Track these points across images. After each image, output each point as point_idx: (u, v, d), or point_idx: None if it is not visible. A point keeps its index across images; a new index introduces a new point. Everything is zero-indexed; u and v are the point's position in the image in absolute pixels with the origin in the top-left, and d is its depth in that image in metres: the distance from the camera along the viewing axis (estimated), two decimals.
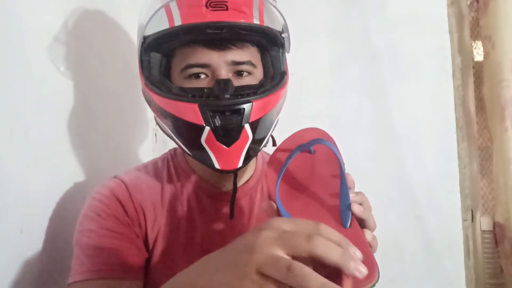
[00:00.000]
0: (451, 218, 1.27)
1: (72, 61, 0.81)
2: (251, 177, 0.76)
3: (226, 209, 0.71)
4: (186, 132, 0.64)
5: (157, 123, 0.72)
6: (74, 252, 0.66)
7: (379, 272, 0.40)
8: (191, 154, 0.65)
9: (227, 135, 0.61)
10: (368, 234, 0.49)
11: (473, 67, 1.32)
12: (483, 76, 1.27)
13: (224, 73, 0.65)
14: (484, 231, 1.28)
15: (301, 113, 1.20)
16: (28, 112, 0.69)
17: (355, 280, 0.38)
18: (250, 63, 0.67)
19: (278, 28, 0.71)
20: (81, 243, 0.65)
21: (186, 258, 0.68)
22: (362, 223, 0.50)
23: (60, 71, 0.78)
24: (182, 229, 0.70)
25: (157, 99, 0.65)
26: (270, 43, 0.71)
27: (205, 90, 0.64)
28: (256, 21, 0.66)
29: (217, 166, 0.62)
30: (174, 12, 0.64)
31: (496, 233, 1.24)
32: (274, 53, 0.72)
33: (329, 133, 0.62)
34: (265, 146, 0.69)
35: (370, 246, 0.48)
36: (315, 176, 0.56)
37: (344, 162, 0.56)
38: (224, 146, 0.62)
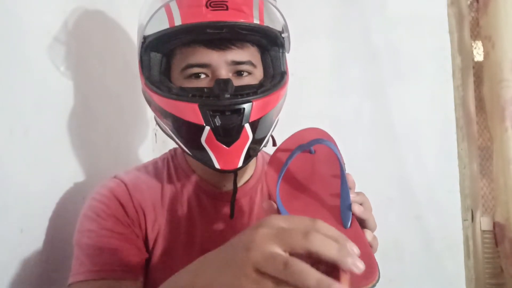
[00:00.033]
0: (451, 218, 1.27)
1: (72, 61, 0.81)
2: (251, 177, 0.76)
3: (226, 209, 0.71)
4: (186, 132, 0.64)
5: (157, 123, 0.72)
6: (74, 253, 0.66)
7: (379, 273, 0.40)
8: (191, 154, 0.65)
9: (227, 135, 0.61)
10: (368, 234, 0.49)
11: (473, 67, 1.32)
12: (483, 76, 1.27)
13: (224, 73, 0.65)
14: (484, 231, 1.28)
15: (301, 113, 1.20)
16: (28, 112, 0.69)
17: (355, 280, 0.38)
18: (250, 63, 0.67)
19: (278, 28, 0.71)
20: (81, 243, 0.65)
21: (186, 258, 0.67)
22: (362, 223, 0.50)
23: (60, 71, 0.78)
24: (182, 229, 0.70)
25: (157, 99, 0.65)
26: (270, 43, 0.71)
27: (205, 90, 0.64)
28: (256, 21, 0.66)
29: (217, 166, 0.62)
30: (174, 12, 0.64)
31: (496, 233, 1.24)
32: (274, 53, 0.72)
33: (329, 133, 0.62)
34: (265, 146, 0.69)
35: (371, 246, 0.48)
36: (316, 176, 0.56)
37: (345, 162, 0.56)
38: (224, 146, 0.62)
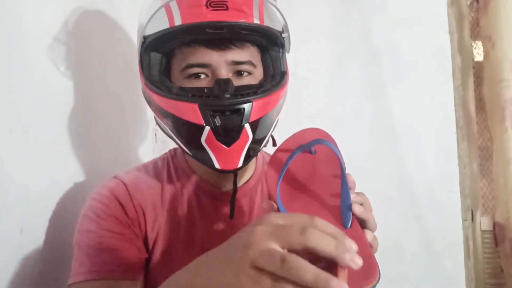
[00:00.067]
0: (451, 218, 1.27)
1: (72, 61, 0.81)
2: (251, 177, 0.76)
3: (226, 209, 0.71)
4: (186, 132, 0.64)
5: (157, 123, 0.72)
6: (74, 253, 0.66)
7: (379, 273, 0.40)
8: (191, 154, 0.65)
9: (227, 135, 0.61)
10: (368, 235, 0.49)
11: (473, 67, 1.32)
12: (483, 76, 1.27)
13: (224, 73, 0.65)
14: (484, 231, 1.28)
15: (301, 113, 1.20)
16: (28, 112, 0.69)
17: (356, 280, 0.38)
18: (250, 63, 0.67)
19: (278, 28, 0.71)
20: (81, 243, 0.65)
21: (186, 258, 0.67)
22: (362, 224, 0.50)
23: (60, 71, 0.78)
24: (182, 229, 0.70)
25: (157, 99, 0.65)
26: (270, 43, 0.71)
27: (205, 90, 0.64)
28: (256, 21, 0.66)
29: (217, 166, 0.62)
30: (174, 12, 0.64)
31: (496, 233, 1.24)
32: (274, 53, 0.72)
33: (329, 133, 0.62)
34: (265, 146, 0.69)
35: (371, 246, 0.48)
36: (316, 176, 0.56)
37: (345, 162, 0.56)
38: (224, 146, 0.62)
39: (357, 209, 0.49)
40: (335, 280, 0.34)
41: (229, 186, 0.71)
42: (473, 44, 1.33)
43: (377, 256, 0.45)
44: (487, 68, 1.25)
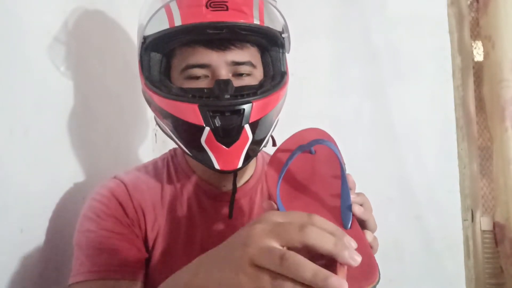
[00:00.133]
0: (451, 218, 1.27)
1: (72, 61, 0.81)
2: (251, 177, 0.76)
3: (226, 209, 0.71)
4: (186, 133, 0.64)
5: (157, 123, 0.72)
6: (74, 253, 0.66)
7: (379, 273, 0.40)
8: (191, 154, 0.65)
9: (227, 135, 0.61)
10: (368, 235, 0.49)
11: (473, 67, 1.32)
12: (483, 76, 1.27)
13: (224, 73, 0.65)
14: (484, 231, 1.28)
15: (301, 113, 1.20)
16: (28, 112, 0.69)
17: (356, 280, 0.38)
18: (250, 63, 0.67)
19: (278, 28, 0.71)
20: (81, 243, 0.65)
21: (186, 258, 0.67)
22: (362, 224, 0.50)
23: (60, 71, 0.78)
24: (182, 229, 0.70)
25: (157, 99, 0.65)
26: (270, 43, 0.71)
27: (205, 90, 0.64)
28: (256, 21, 0.66)
29: (217, 166, 0.62)
30: (174, 12, 0.64)
31: (496, 233, 1.24)
32: (274, 53, 0.72)
33: (329, 133, 0.62)
34: (265, 146, 0.69)
35: (371, 247, 0.48)
36: (316, 176, 0.56)
37: (345, 162, 0.56)
38: (224, 147, 0.62)
39: (357, 209, 0.49)
40: (334, 277, 0.33)
41: (229, 186, 0.71)
42: (473, 44, 1.33)
43: (377, 256, 0.45)
44: (487, 68, 1.25)
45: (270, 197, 0.59)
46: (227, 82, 0.62)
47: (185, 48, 0.66)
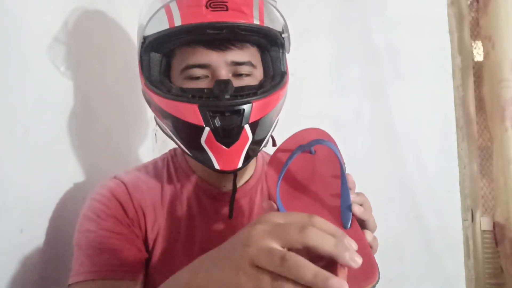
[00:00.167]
0: (451, 218, 1.27)
1: (72, 61, 0.81)
2: (251, 177, 0.76)
3: (226, 209, 0.71)
4: (186, 133, 0.64)
5: (157, 123, 0.72)
6: (74, 253, 0.66)
7: (379, 273, 0.40)
8: (191, 154, 0.65)
9: (227, 135, 0.61)
10: (368, 235, 0.49)
11: (473, 67, 1.32)
12: (483, 76, 1.27)
13: (224, 73, 0.65)
14: (484, 231, 1.28)
15: (301, 113, 1.20)
16: (28, 112, 0.69)
17: (355, 280, 0.38)
18: (250, 63, 0.67)
19: (278, 28, 0.71)
20: (81, 243, 0.65)
21: (186, 258, 0.67)
22: (362, 224, 0.50)
23: (60, 71, 0.78)
24: (182, 229, 0.70)
25: (157, 99, 0.65)
26: (270, 43, 0.71)
27: (205, 90, 0.64)
28: (256, 22, 0.66)
29: (216, 166, 0.62)
30: (174, 12, 0.64)
31: (496, 233, 1.24)
32: (274, 53, 0.72)
33: (329, 133, 0.62)
34: (265, 146, 0.69)
35: (371, 247, 0.48)
36: (316, 176, 0.56)
37: (345, 162, 0.56)
38: (224, 147, 0.62)
39: (356, 209, 0.49)
40: (335, 278, 0.33)
41: (229, 186, 0.71)
42: (473, 44, 1.33)
43: (377, 256, 0.45)
44: (487, 68, 1.25)
45: (270, 197, 0.59)
46: (227, 82, 0.62)
47: (185, 48, 0.66)
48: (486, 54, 1.24)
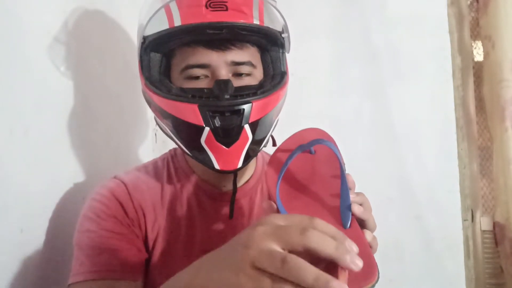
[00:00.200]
0: (451, 218, 1.27)
1: (72, 61, 0.81)
2: (251, 177, 0.76)
3: (226, 210, 0.71)
4: (186, 133, 0.64)
5: (157, 123, 0.72)
6: (74, 253, 0.66)
7: (379, 273, 0.40)
8: (190, 154, 0.65)
9: (227, 135, 0.61)
10: (368, 235, 0.49)
11: (473, 67, 1.32)
12: (483, 76, 1.27)
13: (224, 73, 0.65)
14: (484, 231, 1.28)
15: (301, 113, 1.20)
16: (28, 112, 0.69)
17: (355, 280, 0.38)
18: (250, 63, 0.67)
19: (278, 28, 0.71)
20: (81, 243, 0.65)
21: (186, 258, 0.68)
22: (362, 224, 0.50)
23: (60, 71, 0.78)
24: (182, 229, 0.70)
25: (157, 99, 0.65)
26: (270, 43, 0.71)
27: (205, 90, 0.64)
28: (256, 22, 0.66)
29: (216, 166, 0.62)
30: (174, 12, 0.64)
31: (496, 233, 1.24)
32: (274, 53, 0.72)
33: (329, 133, 0.62)
34: (265, 146, 0.69)
35: (370, 246, 0.48)
36: (316, 176, 0.56)
37: (345, 162, 0.56)
38: (224, 147, 0.62)
39: (356, 209, 0.49)
40: (336, 281, 0.33)
41: (229, 186, 0.71)
42: (473, 44, 1.33)
43: (377, 256, 0.45)
44: (487, 68, 1.25)
45: (270, 197, 0.59)
46: (227, 82, 0.62)
47: (185, 48, 0.66)
48: (486, 54, 1.24)
